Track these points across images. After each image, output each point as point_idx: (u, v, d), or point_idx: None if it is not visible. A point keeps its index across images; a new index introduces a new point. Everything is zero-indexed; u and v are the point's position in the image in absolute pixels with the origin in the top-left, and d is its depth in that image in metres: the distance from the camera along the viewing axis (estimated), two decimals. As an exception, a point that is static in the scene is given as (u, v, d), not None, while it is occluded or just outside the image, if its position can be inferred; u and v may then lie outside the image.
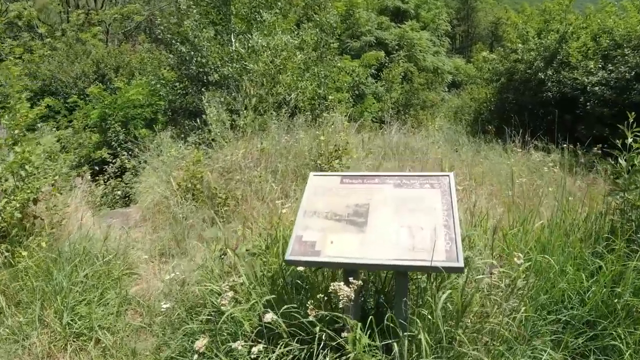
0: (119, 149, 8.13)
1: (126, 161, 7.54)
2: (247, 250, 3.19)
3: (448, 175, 2.63)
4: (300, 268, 2.37)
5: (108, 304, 3.78)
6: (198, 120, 5.98)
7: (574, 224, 3.33)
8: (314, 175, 2.82)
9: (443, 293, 2.30)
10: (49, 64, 14.08)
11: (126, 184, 6.97)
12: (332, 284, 1.99)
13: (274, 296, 2.52)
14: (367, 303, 2.89)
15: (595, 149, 7.06)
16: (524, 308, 2.39)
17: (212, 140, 5.66)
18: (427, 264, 2.15)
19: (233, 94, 6.40)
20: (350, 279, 2.01)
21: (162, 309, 3.03)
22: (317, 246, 2.36)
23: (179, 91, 8.00)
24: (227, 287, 2.78)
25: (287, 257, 2.35)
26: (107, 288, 3.92)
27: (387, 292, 2.79)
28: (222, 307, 2.61)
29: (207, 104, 5.68)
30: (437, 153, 8.10)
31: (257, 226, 4.18)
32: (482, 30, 28.03)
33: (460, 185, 6.19)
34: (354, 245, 2.32)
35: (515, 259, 2.64)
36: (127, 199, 7.62)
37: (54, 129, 10.60)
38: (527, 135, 8.02)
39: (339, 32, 10.40)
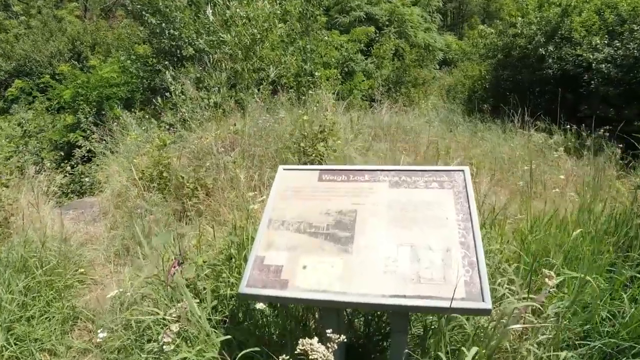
0: (88, 131, 7.31)
1: (96, 144, 6.74)
2: (204, 262, 2.49)
3: (462, 170, 1.92)
4: (260, 305, 1.66)
5: (51, 319, 3.08)
6: (159, 99, 5.15)
7: (608, 226, 2.65)
8: (284, 169, 2.08)
9: (464, 341, 1.62)
10: (23, 43, 13.07)
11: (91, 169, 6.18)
12: (300, 341, 1.30)
13: (228, 337, 1.83)
14: (356, 331, 2.22)
15: (602, 131, 6.40)
16: (564, 354, 1.73)
17: (180, 121, 4.87)
18: (439, 303, 1.45)
19: (207, 69, 5.57)
20: (328, 332, 1.32)
21: (99, 339, 2.34)
22: (285, 273, 1.65)
23: (150, 67, 7.12)
24: (175, 315, 2.09)
25: (242, 289, 1.64)
26: (52, 300, 3.22)
27: (380, 324, 2.12)
28: (164, 346, 1.93)
29: (170, 79, 4.85)
30: (431, 134, 7.38)
31: (226, 227, 3.48)
32: (474, 7, 26.82)
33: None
34: (336, 272, 1.61)
35: (547, 279, 1.97)
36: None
37: (29, 111, 9.75)
38: (526, 115, 7.32)
39: (327, 4, 9.49)
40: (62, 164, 7.04)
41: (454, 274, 1.55)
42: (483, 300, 1.46)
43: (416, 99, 11.09)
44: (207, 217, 4.18)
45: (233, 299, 2.35)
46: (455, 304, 1.45)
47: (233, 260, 2.55)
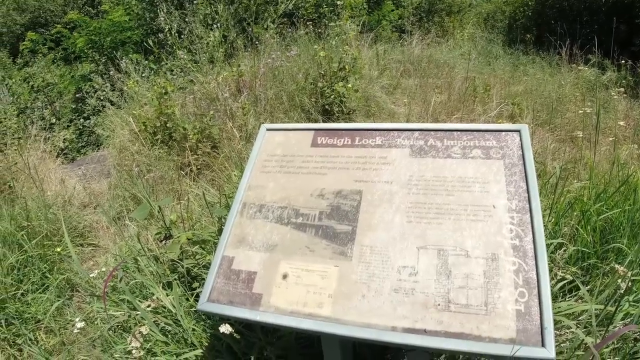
0: (100, 80, 6.86)
1: (109, 94, 6.28)
2: (188, 238, 2.04)
3: (518, 131, 1.29)
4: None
5: (47, 293, 2.78)
6: (150, 41, 4.48)
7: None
8: (268, 129, 1.51)
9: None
10: (36, -7, 12.42)
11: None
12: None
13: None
14: None
15: None
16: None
17: (182, 65, 4.25)
18: (475, 347, 0.93)
19: (214, 4, 4.79)
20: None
21: (76, 329, 1.99)
22: (258, 284, 1.15)
23: (156, 7, 6.34)
24: (150, 309, 1.68)
25: (202, 304, 1.16)
26: (49, 271, 2.91)
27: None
28: (132, 351, 1.54)
29: (162, 18, 4.16)
30: (467, 68, 6.46)
31: (230, 185, 3.00)
32: None
33: (499, 111, 4.73)
34: (327, 287, 1.10)
35: (620, 281, 1.39)
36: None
37: (34, 65, 9.34)
38: (574, 47, 6.21)
39: None
40: (75, 118, 6.68)
41: (502, 299, 1.01)
42: (543, 345, 0.92)
43: (450, 29, 9.85)
44: (214, 171, 3.73)
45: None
46: (498, 349, 0.93)
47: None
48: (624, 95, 4.46)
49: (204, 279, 1.99)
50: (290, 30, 5.84)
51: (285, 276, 1.13)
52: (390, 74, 6.16)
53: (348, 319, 1.03)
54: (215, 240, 2.14)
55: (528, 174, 1.19)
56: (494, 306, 1.01)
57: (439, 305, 1.02)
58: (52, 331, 2.49)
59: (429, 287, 1.05)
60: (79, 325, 1.97)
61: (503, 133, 1.30)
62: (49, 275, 2.80)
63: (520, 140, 1.27)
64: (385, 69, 6.18)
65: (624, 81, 5.58)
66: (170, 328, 1.66)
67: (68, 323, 2.53)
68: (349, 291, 1.07)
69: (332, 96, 4.47)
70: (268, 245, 1.21)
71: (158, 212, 2.18)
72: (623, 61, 5.78)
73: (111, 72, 4.53)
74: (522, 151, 1.24)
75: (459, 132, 1.32)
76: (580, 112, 3.58)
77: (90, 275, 2.06)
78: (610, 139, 3.40)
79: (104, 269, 2.08)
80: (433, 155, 1.28)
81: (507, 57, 7.11)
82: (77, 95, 6.70)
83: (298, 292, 1.10)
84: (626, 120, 3.80)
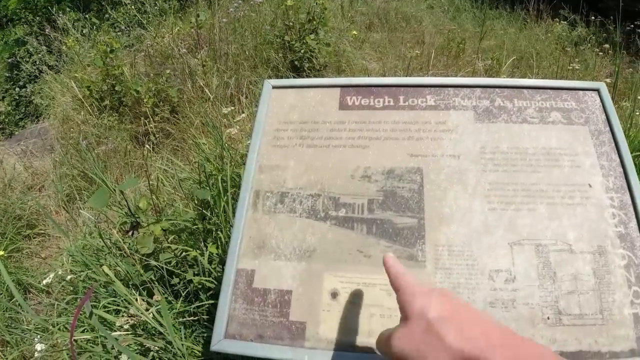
0: (35, 42, 5.92)
1: (46, 57, 5.41)
2: (164, 229, 1.66)
3: (597, 89, 1.03)
4: None
5: None
6: None
7: None
8: (275, 86, 1.14)
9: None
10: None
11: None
12: None
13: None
14: None
15: (632, 25, 5.33)
16: None
17: (130, 18, 3.61)
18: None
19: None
20: None
21: (37, 352, 1.59)
22: (297, 308, 0.84)
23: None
24: (127, 325, 1.34)
25: (217, 343, 0.83)
26: None
27: None
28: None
29: None
30: (435, 21, 6.20)
31: (198, 154, 2.58)
32: None
33: (476, 66, 4.52)
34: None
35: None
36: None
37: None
38: (541, 3, 6.12)
39: None
40: (10, 88, 5.79)
41: (617, 302, 0.78)
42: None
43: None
44: (175, 139, 3.27)
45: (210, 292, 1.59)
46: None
47: (205, 221, 1.73)
48: (610, 51, 4.38)
49: (182, 274, 1.65)
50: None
51: (335, 294, 0.83)
52: (356, 27, 5.78)
53: (434, 350, 0.75)
54: (196, 227, 1.78)
55: (619, 143, 0.94)
56: (610, 313, 0.78)
57: (548, 319, 0.77)
58: (8, 343, 2.08)
59: (533, 295, 0.79)
60: (39, 347, 1.57)
61: (580, 92, 1.03)
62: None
63: (602, 101, 1.01)
64: (352, 22, 5.78)
65: (593, 37, 5.56)
66: (157, 347, 1.33)
67: (25, 334, 2.12)
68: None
69: (302, 50, 4.05)
70: (302, 250, 0.89)
71: (120, 196, 1.77)
72: (592, 17, 5.74)
73: (47, 30, 3.79)
74: (607, 115, 0.99)
75: (529, 90, 1.03)
76: (569, 68, 3.43)
77: (44, 282, 1.65)
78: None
79: (60, 272, 1.67)
80: (505, 119, 0.99)
81: (475, 10, 6.88)
82: (9, 61, 5.78)
83: (356, 315, 0.80)
84: (611, 77, 3.72)
